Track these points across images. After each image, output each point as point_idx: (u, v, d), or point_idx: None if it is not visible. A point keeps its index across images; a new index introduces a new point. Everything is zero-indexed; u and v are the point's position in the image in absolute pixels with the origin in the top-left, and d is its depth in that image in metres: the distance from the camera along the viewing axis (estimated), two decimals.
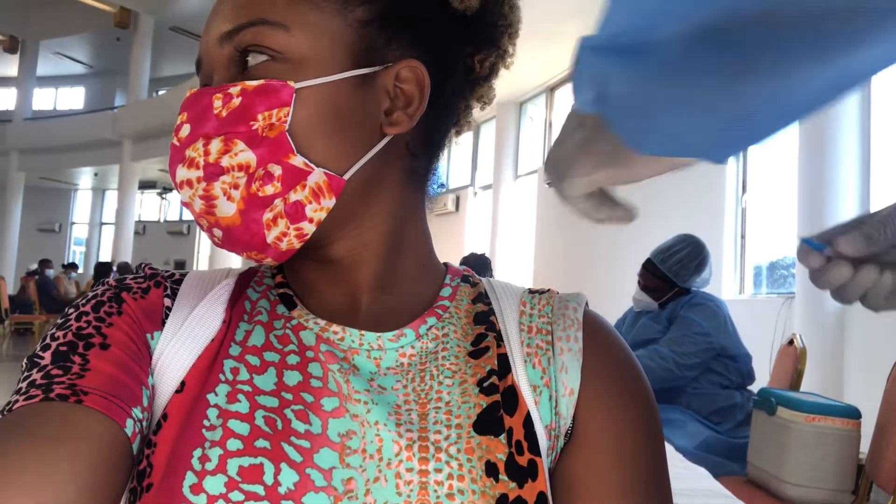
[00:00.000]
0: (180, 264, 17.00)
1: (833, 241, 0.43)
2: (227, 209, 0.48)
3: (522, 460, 0.48)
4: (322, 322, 0.52)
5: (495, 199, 9.19)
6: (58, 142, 15.11)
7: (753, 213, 5.15)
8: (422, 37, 0.54)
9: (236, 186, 0.48)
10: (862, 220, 0.44)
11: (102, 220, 18.79)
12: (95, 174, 17.02)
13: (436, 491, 0.46)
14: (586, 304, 0.58)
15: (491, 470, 0.47)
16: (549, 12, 6.38)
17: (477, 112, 0.65)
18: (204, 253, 16.45)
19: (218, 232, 0.50)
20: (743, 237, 5.15)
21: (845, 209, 3.83)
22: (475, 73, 0.60)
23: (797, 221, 4.04)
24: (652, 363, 2.39)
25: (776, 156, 4.97)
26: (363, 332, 0.52)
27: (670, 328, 2.54)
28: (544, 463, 0.49)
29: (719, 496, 1.31)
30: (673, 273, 2.57)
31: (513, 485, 0.47)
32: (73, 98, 19.44)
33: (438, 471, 0.46)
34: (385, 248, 0.55)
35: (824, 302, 3.75)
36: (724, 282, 5.00)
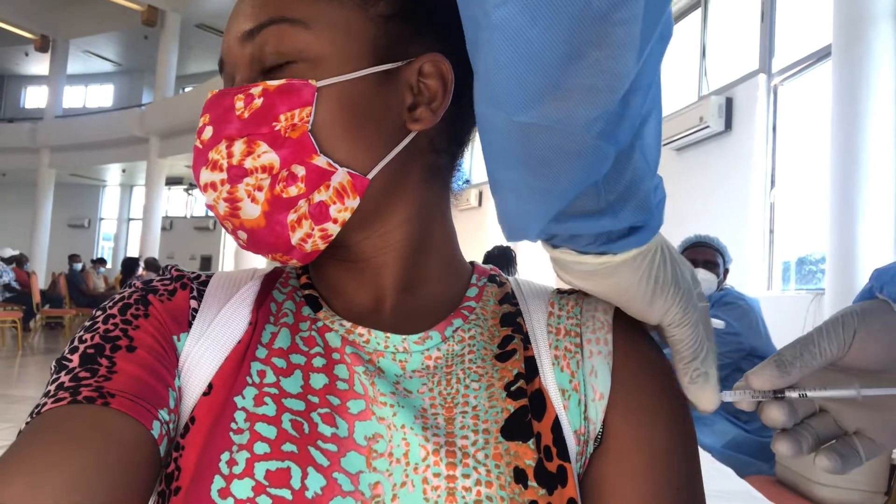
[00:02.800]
0: (206, 259, 17.23)
1: (748, 380, 0.47)
2: (252, 211, 0.48)
3: (552, 466, 0.47)
4: (347, 324, 0.52)
5: None
6: (87, 139, 15.38)
7: (782, 207, 5.07)
8: (444, 29, 0.53)
9: (260, 188, 0.48)
10: (795, 344, 0.46)
11: (130, 215, 19.09)
12: (123, 170, 17.31)
13: (464, 497, 0.45)
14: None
15: (520, 476, 0.46)
16: None
17: None
18: (230, 248, 16.62)
19: (243, 234, 0.50)
20: (771, 232, 5.07)
21: (878, 203, 3.74)
22: None
23: (828, 215, 3.96)
24: None
25: (806, 149, 4.88)
26: (388, 334, 0.51)
27: None
28: (574, 468, 0.48)
29: (752, 499, 1.28)
30: (721, 247, 2.59)
31: (542, 491, 0.46)
32: (102, 96, 19.76)
33: (466, 476, 0.46)
34: (410, 248, 0.54)
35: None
36: (751, 277, 4.92)
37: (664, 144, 6.00)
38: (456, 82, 0.52)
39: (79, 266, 11.22)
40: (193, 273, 0.57)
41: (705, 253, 2.64)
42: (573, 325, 0.54)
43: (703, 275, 2.62)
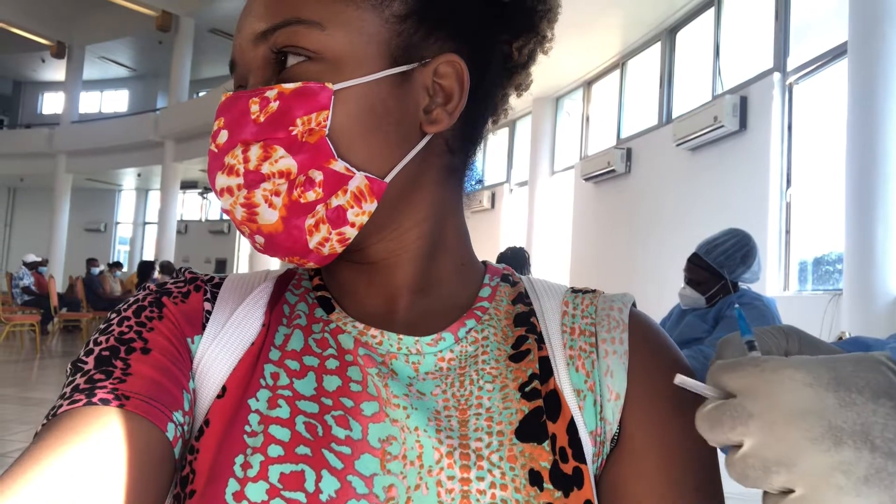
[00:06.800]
0: (221, 262, 17.35)
1: None
2: (270, 216, 0.48)
3: (567, 468, 0.46)
4: (360, 325, 0.52)
5: (531, 196, 9.14)
6: (103, 144, 15.55)
7: (798, 207, 5.02)
8: (459, 29, 0.52)
9: (277, 193, 0.47)
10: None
11: (146, 219, 19.27)
12: (139, 175, 17.47)
13: (478, 500, 0.44)
14: (633, 304, 0.56)
15: (535, 478, 0.46)
16: (585, 4, 6.30)
17: (512, 107, 0.63)
18: (244, 251, 16.72)
19: (260, 238, 0.50)
20: (787, 232, 5.02)
21: (895, 202, 3.70)
22: (513, 61, 0.58)
23: (844, 215, 3.92)
24: (696, 364, 2.34)
25: (822, 148, 4.83)
26: (401, 335, 0.51)
27: (716, 328, 2.49)
28: (590, 470, 0.47)
29: None
30: (718, 264, 2.54)
31: (558, 493, 0.45)
32: (117, 101, 19.99)
33: (480, 479, 0.45)
34: (423, 250, 0.54)
35: (874, 298, 3.63)
36: (768, 278, 4.88)
37: (678, 144, 5.96)
38: (471, 81, 0.52)
39: (97, 270, 11.32)
40: (207, 275, 0.57)
41: (693, 272, 2.65)
42: (588, 324, 0.53)
43: (684, 290, 2.66)
